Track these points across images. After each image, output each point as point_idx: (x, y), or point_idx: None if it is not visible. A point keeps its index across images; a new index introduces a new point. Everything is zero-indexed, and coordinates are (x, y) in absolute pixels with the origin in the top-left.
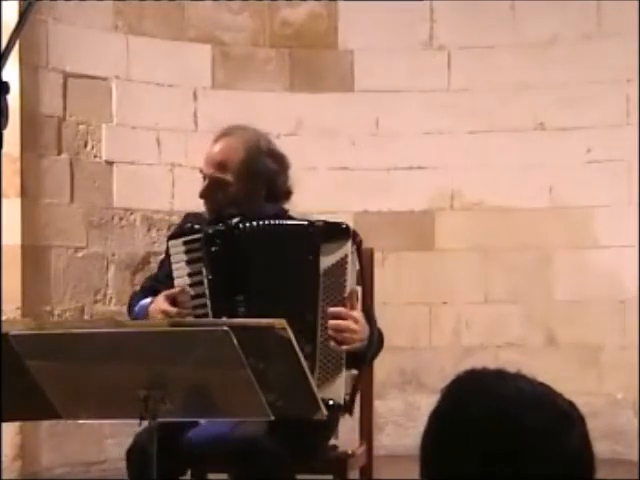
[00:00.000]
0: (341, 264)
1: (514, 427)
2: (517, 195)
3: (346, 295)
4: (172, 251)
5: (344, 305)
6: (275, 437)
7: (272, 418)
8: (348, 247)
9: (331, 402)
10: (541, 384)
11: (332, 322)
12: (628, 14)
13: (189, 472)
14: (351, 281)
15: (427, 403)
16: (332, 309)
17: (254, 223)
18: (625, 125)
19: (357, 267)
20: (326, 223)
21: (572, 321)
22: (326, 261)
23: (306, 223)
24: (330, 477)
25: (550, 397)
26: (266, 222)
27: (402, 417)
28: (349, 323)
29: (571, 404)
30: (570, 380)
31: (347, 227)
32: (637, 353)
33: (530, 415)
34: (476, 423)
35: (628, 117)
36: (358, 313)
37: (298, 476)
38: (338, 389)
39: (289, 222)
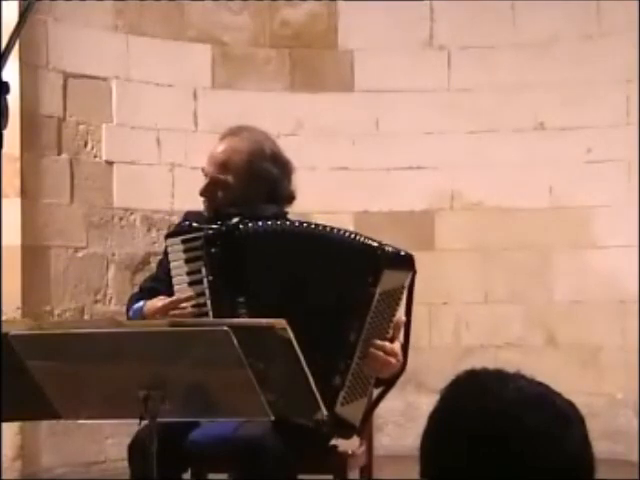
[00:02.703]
0: (396, 293)
1: (513, 427)
2: (517, 195)
3: (392, 324)
4: (170, 249)
5: (388, 334)
6: (277, 438)
7: (272, 418)
8: (408, 279)
9: (348, 422)
10: (541, 384)
11: (377, 354)
12: (628, 14)
13: (189, 471)
14: (400, 311)
15: (427, 403)
16: (378, 342)
17: (260, 224)
18: (625, 125)
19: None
20: (394, 250)
21: (572, 321)
22: (383, 287)
23: (375, 245)
24: (330, 477)
25: (550, 397)
26: (314, 230)
27: (402, 417)
28: (389, 358)
29: (571, 404)
30: (570, 380)
31: (412, 258)
32: (637, 353)
33: (530, 415)
34: (475, 424)
35: (628, 117)
36: (397, 345)
37: (298, 476)
38: (357, 412)
39: (356, 238)
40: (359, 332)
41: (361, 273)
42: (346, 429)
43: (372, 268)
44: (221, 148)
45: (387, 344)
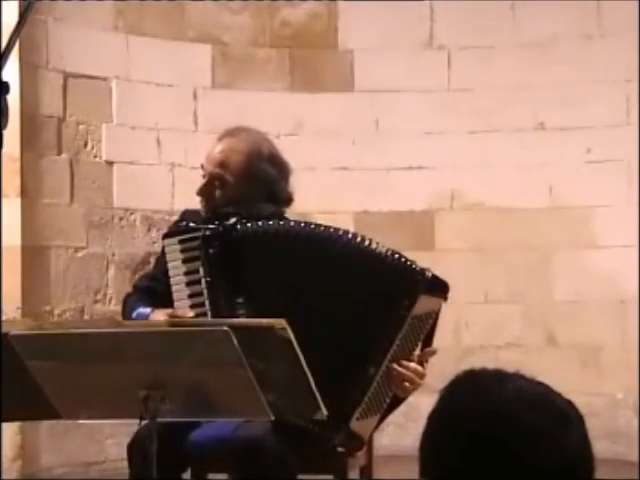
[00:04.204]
0: (426, 318)
1: (513, 427)
2: (517, 195)
3: (417, 350)
4: (167, 249)
5: (412, 356)
6: (277, 438)
7: (272, 418)
8: (440, 305)
9: (358, 436)
10: (540, 384)
11: (404, 372)
12: (628, 14)
13: (189, 471)
14: (426, 334)
15: (427, 403)
16: (406, 363)
17: (258, 224)
18: (625, 125)
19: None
20: (433, 276)
21: (572, 321)
22: (416, 311)
23: (413, 267)
24: (330, 477)
25: (549, 397)
26: (352, 242)
27: (402, 417)
28: (417, 380)
29: (570, 404)
30: (570, 380)
31: (447, 286)
32: (637, 353)
33: (529, 415)
34: (475, 424)
35: (628, 117)
36: (424, 370)
37: (298, 476)
38: (369, 428)
39: (397, 258)
40: (385, 352)
41: (395, 294)
42: (355, 443)
43: (409, 292)
44: (219, 148)
45: (412, 364)
